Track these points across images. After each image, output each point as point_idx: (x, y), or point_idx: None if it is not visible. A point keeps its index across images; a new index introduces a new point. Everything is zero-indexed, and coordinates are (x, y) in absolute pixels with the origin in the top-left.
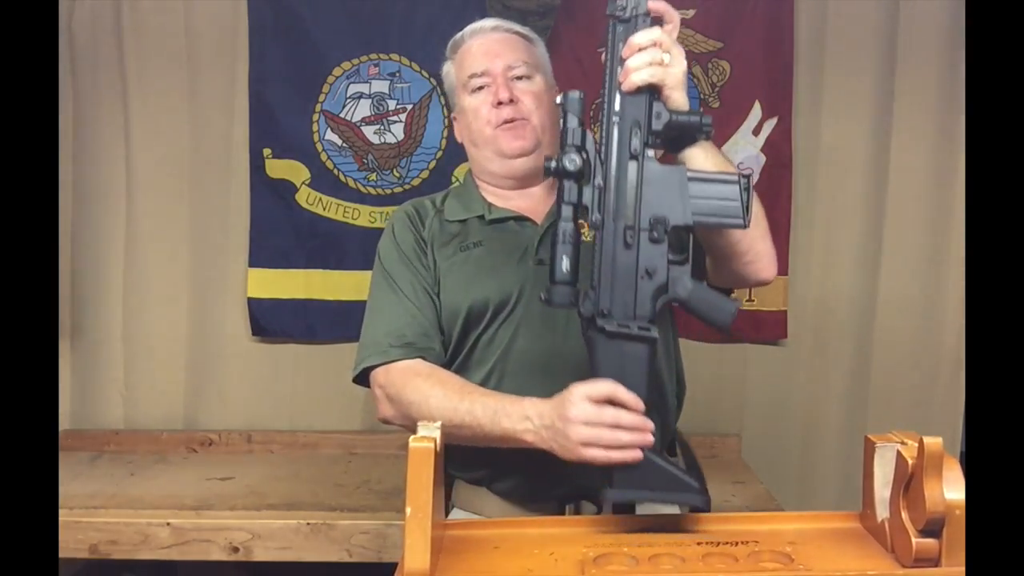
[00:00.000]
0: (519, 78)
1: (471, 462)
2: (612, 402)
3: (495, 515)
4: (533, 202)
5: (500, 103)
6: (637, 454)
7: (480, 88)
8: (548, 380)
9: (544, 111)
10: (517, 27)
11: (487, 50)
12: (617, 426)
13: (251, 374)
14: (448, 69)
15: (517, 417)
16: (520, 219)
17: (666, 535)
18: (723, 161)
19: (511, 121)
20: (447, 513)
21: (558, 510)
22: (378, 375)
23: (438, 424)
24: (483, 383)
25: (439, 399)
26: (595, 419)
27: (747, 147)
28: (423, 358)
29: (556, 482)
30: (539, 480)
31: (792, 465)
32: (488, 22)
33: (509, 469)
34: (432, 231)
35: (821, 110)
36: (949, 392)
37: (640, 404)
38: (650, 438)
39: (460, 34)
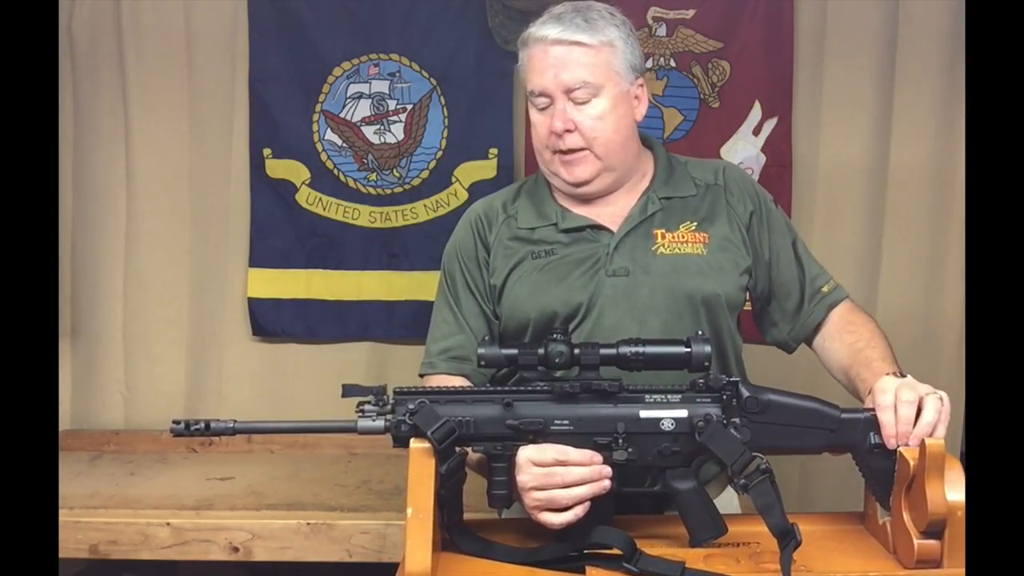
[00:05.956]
0: (581, 102)
1: None
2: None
3: None
4: (610, 208)
5: (557, 133)
6: (586, 506)
7: (541, 108)
8: None
9: (610, 126)
10: (581, 34)
11: (545, 66)
12: (567, 485)
13: (251, 374)
14: (521, 61)
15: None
16: (595, 227)
17: (667, 535)
18: None
19: (569, 152)
20: None
21: None
22: (425, 383)
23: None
24: None
25: None
26: (545, 484)
27: (747, 147)
28: (465, 376)
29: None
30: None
31: (792, 465)
32: (550, 28)
33: None
34: (499, 236)
35: (821, 110)
36: (949, 392)
37: (593, 456)
38: (606, 484)
39: (529, 29)
